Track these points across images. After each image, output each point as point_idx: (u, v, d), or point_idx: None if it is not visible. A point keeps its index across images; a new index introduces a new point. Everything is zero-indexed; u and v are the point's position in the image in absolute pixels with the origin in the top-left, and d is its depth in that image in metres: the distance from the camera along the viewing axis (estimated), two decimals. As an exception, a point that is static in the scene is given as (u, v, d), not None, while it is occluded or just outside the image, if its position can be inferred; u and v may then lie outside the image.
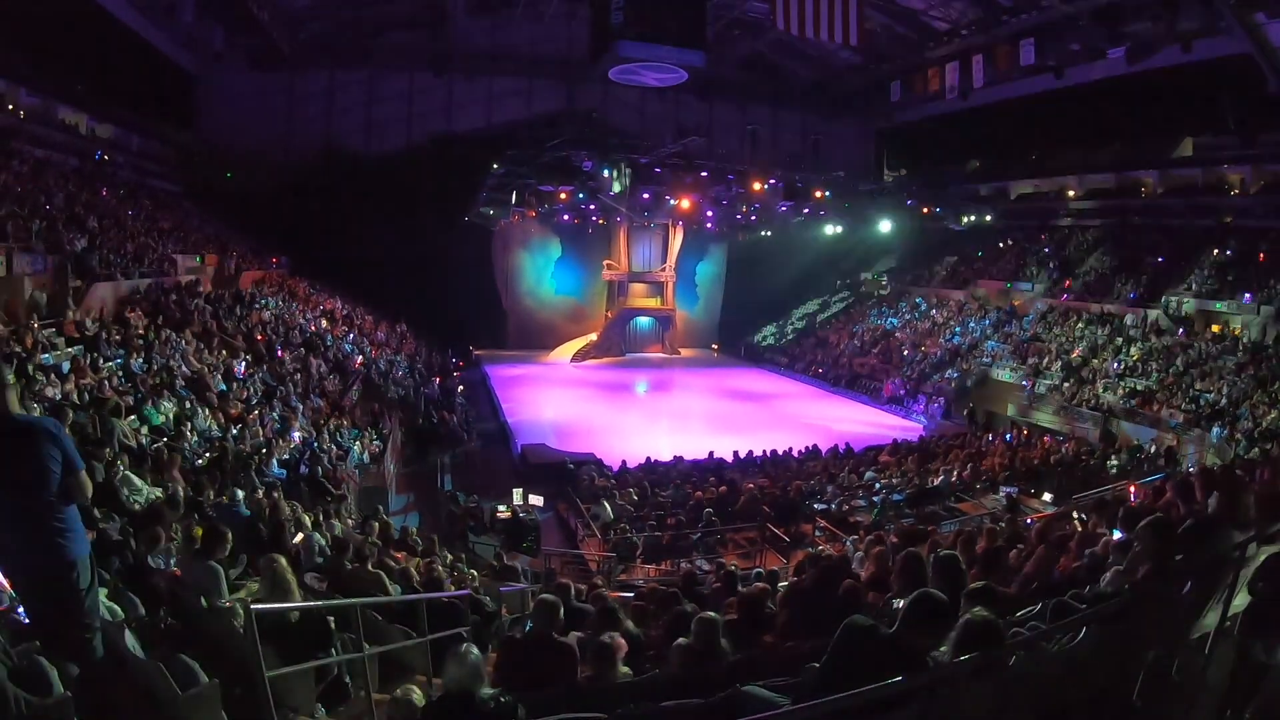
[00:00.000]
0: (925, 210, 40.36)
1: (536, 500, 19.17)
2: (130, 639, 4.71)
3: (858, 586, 7.49)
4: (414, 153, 44.63)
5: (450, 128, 45.74)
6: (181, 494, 9.49)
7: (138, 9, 32.40)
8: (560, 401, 34.98)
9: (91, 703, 3.92)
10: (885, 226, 35.65)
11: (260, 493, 11.34)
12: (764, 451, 25.51)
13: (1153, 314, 33.18)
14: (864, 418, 34.04)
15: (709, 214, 39.34)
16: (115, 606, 4.90)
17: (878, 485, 21.53)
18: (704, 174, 31.63)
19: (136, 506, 8.43)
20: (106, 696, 4.06)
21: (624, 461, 23.81)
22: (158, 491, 9.32)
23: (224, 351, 20.14)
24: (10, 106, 28.91)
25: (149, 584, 5.93)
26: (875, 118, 51.49)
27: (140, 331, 17.81)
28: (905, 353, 39.91)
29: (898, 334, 42.80)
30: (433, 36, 42.15)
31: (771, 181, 32.68)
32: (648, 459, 24.12)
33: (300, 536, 9.55)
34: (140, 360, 15.66)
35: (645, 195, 34.03)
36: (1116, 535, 7.07)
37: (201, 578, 6.18)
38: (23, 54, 29.44)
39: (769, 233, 43.88)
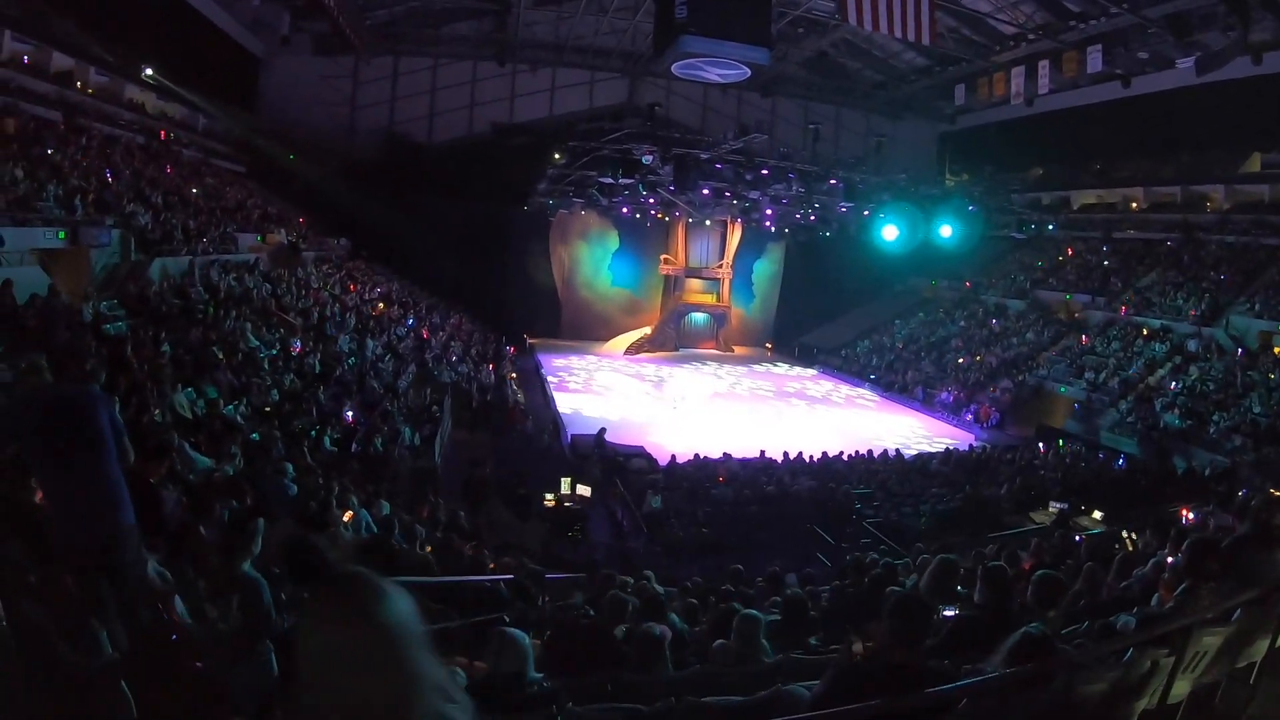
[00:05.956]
0: (986, 216, 39.78)
1: (584, 491, 19.13)
2: (180, 605, 4.73)
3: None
4: (475, 141, 44.96)
5: (512, 118, 45.98)
6: (236, 467, 9.59)
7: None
8: (612, 393, 35.02)
9: (140, 666, 3.93)
10: (946, 231, 35.19)
11: (311, 469, 11.41)
12: (814, 454, 25.25)
13: (1214, 333, 32.42)
14: (917, 424, 33.67)
15: (768, 212, 39.09)
16: (165, 572, 4.92)
17: (931, 493, 21.27)
18: (765, 171, 31.36)
19: (191, 478, 8.50)
20: (155, 661, 4.07)
21: (673, 456, 23.70)
22: (212, 463, 9.40)
23: (282, 329, 20.37)
24: (80, 84, 29.45)
25: (201, 554, 5.96)
26: (939, 121, 51.00)
27: (200, 306, 18.06)
28: (961, 361, 39.43)
29: (954, 341, 42.30)
30: (497, 26, 42.31)
31: (832, 182, 32.40)
32: (696, 455, 23.98)
33: (349, 515, 9.59)
34: (199, 334, 15.83)
35: (705, 191, 33.91)
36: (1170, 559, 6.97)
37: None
38: (92, 33, 29.99)
39: (829, 233, 43.48)
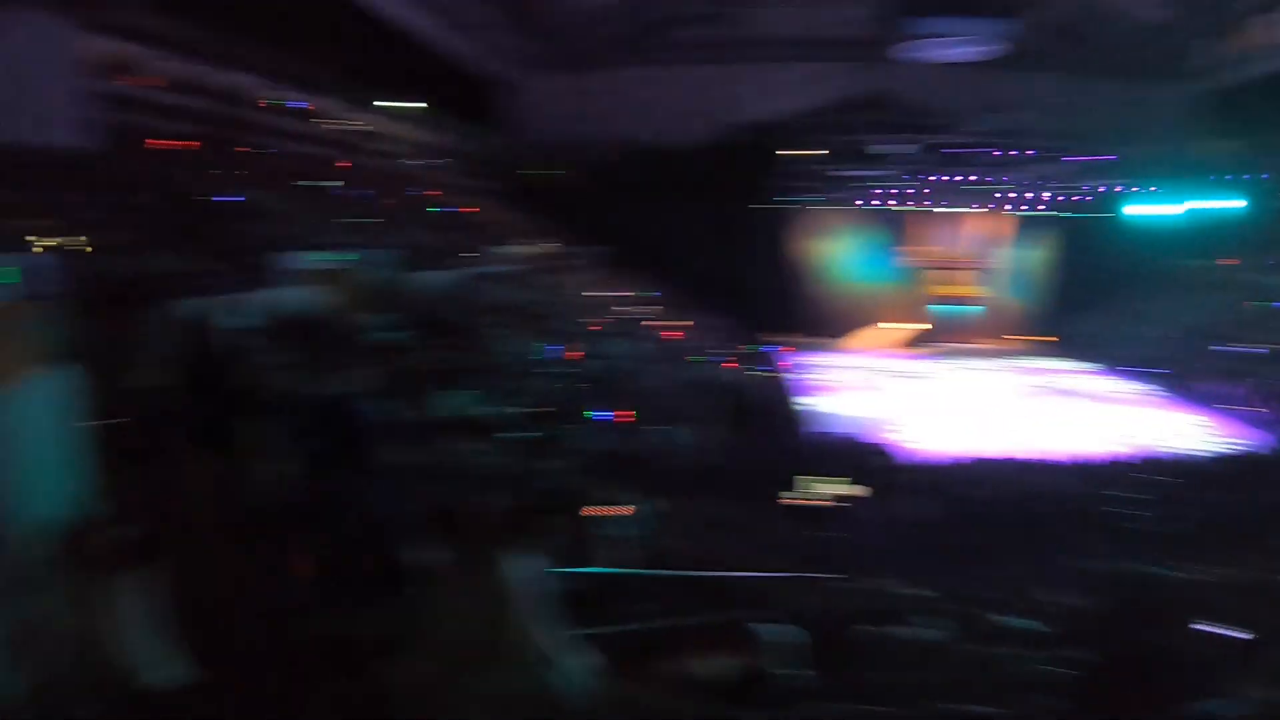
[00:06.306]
0: (1262, 186, 36.37)
1: (835, 489, 19.04)
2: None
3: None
4: (713, 143, 45.34)
5: (747, 117, 46.04)
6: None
7: (439, 23, 36.02)
8: (860, 390, 34.59)
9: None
10: (1222, 205, 32.25)
11: (574, 468, 12.04)
12: (1077, 456, 23.99)
13: None
14: (1193, 421, 30.88)
15: (1025, 196, 37.37)
16: (436, 557, 5.36)
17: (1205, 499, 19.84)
18: (1016, 152, 30.13)
19: (458, 472, 9.19)
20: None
21: (927, 455, 23.15)
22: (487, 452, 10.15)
23: (538, 336, 21.47)
24: (336, 122, 31.88)
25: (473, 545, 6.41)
26: (1199, 82, 47.10)
27: (464, 316, 19.35)
28: (1243, 350, 36.20)
29: (1234, 329, 38.89)
30: (724, 28, 42.71)
31: (1089, 158, 30.74)
32: (951, 455, 23.32)
33: (612, 508, 10.01)
34: (464, 342, 16.97)
35: (954, 178, 32.95)
36: None
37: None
38: (339, 74, 32.46)
39: (1094, 215, 40.91)
